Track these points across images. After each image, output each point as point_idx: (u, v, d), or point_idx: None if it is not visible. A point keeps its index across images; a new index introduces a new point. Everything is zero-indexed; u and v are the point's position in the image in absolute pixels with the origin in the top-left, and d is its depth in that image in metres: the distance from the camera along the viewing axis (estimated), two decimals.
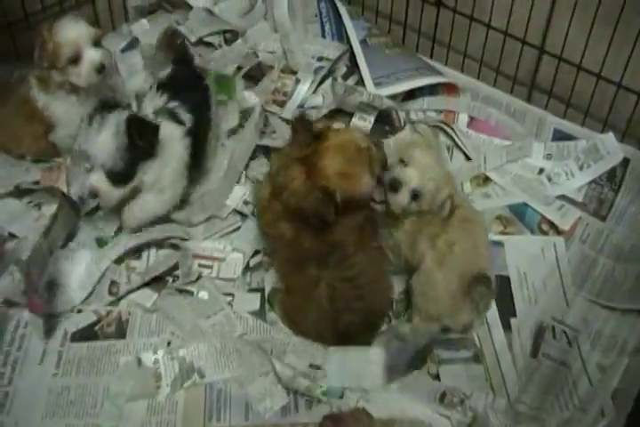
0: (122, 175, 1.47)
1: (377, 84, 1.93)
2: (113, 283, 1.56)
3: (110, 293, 1.55)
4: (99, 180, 1.47)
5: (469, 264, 1.42)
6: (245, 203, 1.73)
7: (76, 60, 1.62)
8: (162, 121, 1.54)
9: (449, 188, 1.45)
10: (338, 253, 1.42)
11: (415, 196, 1.43)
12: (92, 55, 1.62)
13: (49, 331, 1.47)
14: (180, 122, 1.58)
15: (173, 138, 1.56)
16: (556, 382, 1.41)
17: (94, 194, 1.49)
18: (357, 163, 1.39)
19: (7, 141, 1.80)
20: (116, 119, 1.43)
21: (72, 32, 1.60)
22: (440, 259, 1.42)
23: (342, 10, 2.11)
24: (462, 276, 1.41)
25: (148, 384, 1.40)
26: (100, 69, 1.64)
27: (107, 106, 1.49)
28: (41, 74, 1.67)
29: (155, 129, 1.48)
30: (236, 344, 1.45)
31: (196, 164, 1.65)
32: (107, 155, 1.43)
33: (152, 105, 1.59)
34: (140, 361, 1.43)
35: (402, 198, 1.44)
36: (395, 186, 1.44)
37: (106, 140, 1.42)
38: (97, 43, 1.64)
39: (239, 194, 1.74)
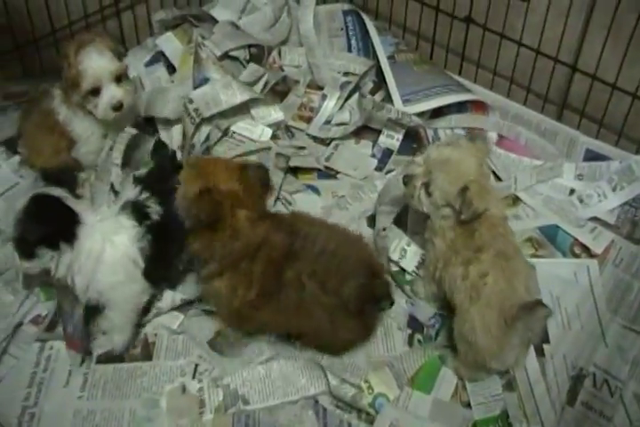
0: (21, 250, 1.35)
1: (405, 101, 1.92)
2: None
3: None
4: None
5: (507, 299, 1.32)
6: None
7: (95, 92, 1.60)
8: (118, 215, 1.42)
9: (468, 184, 1.35)
10: (296, 241, 1.36)
11: (427, 186, 1.41)
12: (111, 92, 1.60)
13: (83, 360, 1.47)
14: (143, 218, 1.42)
15: (120, 237, 1.40)
16: None
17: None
18: (228, 177, 1.31)
19: (29, 154, 1.80)
20: (28, 194, 1.33)
21: (95, 64, 1.57)
22: (472, 293, 1.35)
23: (369, 25, 2.09)
24: (500, 311, 1.32)
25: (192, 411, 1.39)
26: (118, 107, 1.62)
27: (46, 176, 1.39)
28: (65, 87, 1.65)
29: (64, 216, 1.34)
30: (282, 368, 1.44)
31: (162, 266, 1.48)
32: (10, 223, 1.33)
33: (125, 196, 1.46)
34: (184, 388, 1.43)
35: (411, 190, 1.44)
36: (405, 181, 1.46)
37: (13, 210, 1.32)
38: (120, 78, 1.62)
39: None
